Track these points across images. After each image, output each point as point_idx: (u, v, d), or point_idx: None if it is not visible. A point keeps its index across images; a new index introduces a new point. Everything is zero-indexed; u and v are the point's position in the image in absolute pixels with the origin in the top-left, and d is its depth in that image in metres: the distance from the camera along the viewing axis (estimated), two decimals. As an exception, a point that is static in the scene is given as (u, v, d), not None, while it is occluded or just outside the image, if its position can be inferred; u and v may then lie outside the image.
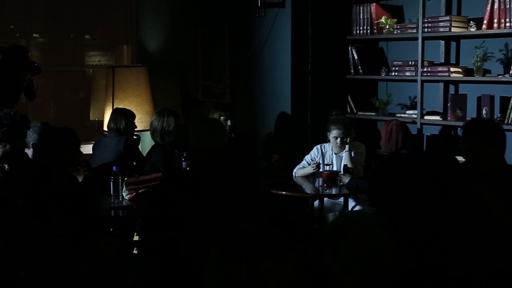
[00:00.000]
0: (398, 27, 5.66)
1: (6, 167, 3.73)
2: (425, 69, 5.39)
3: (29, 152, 4.40)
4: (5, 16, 7.04)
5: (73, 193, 3.97)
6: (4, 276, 3.27)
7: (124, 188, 4.52)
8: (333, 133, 5.15)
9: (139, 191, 4.53)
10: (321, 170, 5.11)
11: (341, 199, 5.24)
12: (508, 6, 4.84)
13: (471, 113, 5.19)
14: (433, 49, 5.52)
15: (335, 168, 5.16)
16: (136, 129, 5.53)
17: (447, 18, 5.25)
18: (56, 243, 3.51)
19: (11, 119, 4.08)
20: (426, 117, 5.44)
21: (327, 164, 5.17)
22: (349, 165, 5.10)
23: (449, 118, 5.30)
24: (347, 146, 5.13)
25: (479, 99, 5.18)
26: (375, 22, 5.78)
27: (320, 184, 5.04)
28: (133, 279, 3.60)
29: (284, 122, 6.00)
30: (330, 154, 5.26)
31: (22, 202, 3.57)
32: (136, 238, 4.76)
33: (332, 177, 5.01)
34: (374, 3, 5.82)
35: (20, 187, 3.64)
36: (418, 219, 2.44)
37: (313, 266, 2.08)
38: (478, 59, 5.08)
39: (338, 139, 5.13)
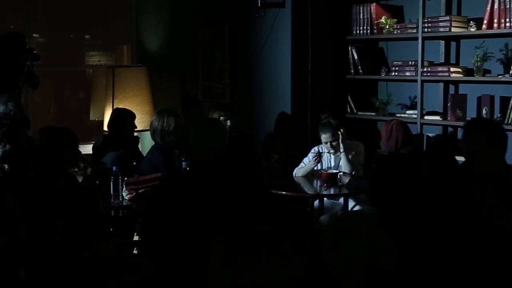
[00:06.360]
0: (398, 27, 5.66)
1: (6, 167, 3.73)
2: (425, 69, 5.39)
3: None
4: (5, 16, 7.04)
5: (72, 193, 3.97)
6: (4, 276, 3.28)
7: (124, 188, 4.52)
8: (322, 139, 5.16)
9: (139, 191, 4.53)
10: (319, 168, 5.13)
11: (341, 199, 5.24)
12: (508, 6, 4.84)
13: (471, 113, 5.19)
14: (433, 49, 5.51)
15: (333, 167, 5.19)
16: (136, 129, 5.53)
17: (447, 18, 5.25)
18: (56, 243, 3.51)
19: (11, 119, 4.07)
20: (426, 117, 5.44)
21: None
22: (347, 168, 5.09)
23: (449, 118, 5.30)
24: (341, 147, 5.12)
25: (479, 99, 5.18)
26: (375, 22, 5.78)
27: (320, 184, 5.05)
28: (133, 279, 3.61)
29: (284, 122, 6.00)
30: (328, 155, 5.26)
31: (22, 202, 3.57)
32: (136, 238, 4.76)
33: (332, 177, 5.02)
34: (374, 3, 5.81)
35: (19, 187, 3.65)
36: (417, 219, 2.44)
37: (313, 266, 2.08)
38: (478, 59, 5.08)
39: (328, 143, 5.14)
